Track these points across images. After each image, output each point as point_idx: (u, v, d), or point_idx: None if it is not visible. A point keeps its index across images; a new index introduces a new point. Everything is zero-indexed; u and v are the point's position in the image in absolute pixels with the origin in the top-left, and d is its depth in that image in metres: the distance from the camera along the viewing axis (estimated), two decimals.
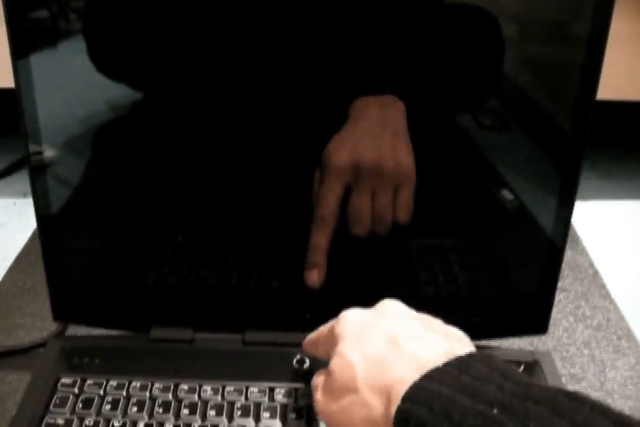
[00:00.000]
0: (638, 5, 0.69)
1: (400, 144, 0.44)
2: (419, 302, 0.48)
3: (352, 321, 0.37)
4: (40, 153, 0.44)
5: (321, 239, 0.45)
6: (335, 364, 0.35)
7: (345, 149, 0.43)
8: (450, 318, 0.47)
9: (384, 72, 0.44)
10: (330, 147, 0.44)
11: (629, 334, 0.54)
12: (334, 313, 0.39)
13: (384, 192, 0.44)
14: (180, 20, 0.43)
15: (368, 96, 0.43)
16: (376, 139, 0.43)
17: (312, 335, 0.41)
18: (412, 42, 0.44)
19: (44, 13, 0.42)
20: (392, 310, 0.38)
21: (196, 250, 0.49)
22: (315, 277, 0.46)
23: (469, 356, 0.32)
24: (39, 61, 0.42)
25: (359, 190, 0.44)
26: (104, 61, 0.44)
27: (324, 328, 0.40)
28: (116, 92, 0.45)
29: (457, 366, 0.31)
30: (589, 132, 0.42)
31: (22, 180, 0.80)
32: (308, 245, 0.46)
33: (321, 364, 0.43)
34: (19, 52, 0.41)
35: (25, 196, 0.77)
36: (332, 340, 0.37)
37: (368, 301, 0.41)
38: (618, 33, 0.70)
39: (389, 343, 0.34)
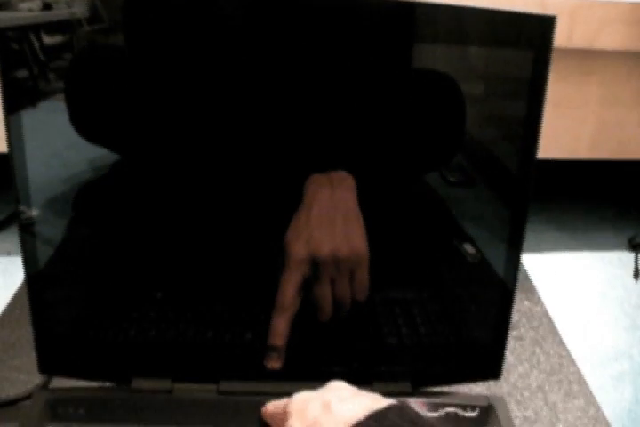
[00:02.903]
0: (581, 70, 0.76)
1: (352, 228, 0.47)
2: (381, 352, 0.52)
3: (299, 399, 0.41)
4: (23, 212, 0.46)
5: (280, 325, 0.48)
6: None
7: (301, 242, 0.46)
8: (410, 366, 0.51)
9: (344, 141, 0.48)
10: (287, 237, 0.47)
11: (580, 378, 0.58)
12: (302, 364, 0.42)
13: (341, 277, 0.48)
14: (157, 92, 0.46)
15: (320, 173, 0.47)
16: (329, 226, 0.46)
17: (269, 408, 0.44)
18: (375, 113, 0.48)
19: (23, 73, 0.44)
20: (334, 386, 0.43)
21: (174, 306, 0.51)
22: (274, 359, 0.49)
23: (386, 409, 0.38)
24: (19, 122, 0.44)
25: (318, 279, 0.48)
26: (86, 127, 0.46)
27: (279, 404, 0.43)
28: (96, 153, 0.47)
29: (376, 418, 0.37)
30: (534, 182, 0.46)
31: (6, 239, 0.83)
32: (269, 330, 0.48)
33: None
34: (10, 112, 0.43)
35: (9, 254, 0.79)
36: (285, 416, 0.41)
37: (334, 351, 0.44)
38: (566, 97, 0.77)
39: (323, 408, 0.39)
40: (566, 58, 0.74)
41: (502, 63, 0.48)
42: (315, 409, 0.39)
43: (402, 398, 0.48)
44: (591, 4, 0.70)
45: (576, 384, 0.57)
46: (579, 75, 0.77)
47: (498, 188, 0.51)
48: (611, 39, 0.72)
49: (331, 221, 0.47)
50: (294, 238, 0.47)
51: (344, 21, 0.44)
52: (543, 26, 0.44)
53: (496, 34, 0.47)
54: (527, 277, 0.74)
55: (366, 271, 0.48)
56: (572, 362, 0.60)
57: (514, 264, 0.49)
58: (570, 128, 0.79)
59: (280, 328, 0.48)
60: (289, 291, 0.47)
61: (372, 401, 0.40)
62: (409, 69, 0.47)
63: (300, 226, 0.47)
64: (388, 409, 0.38)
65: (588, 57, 0.75)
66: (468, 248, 0.53)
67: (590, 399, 0.55)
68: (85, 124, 0.46)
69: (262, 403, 0.45)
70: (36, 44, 0.45)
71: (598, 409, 0.54)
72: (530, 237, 0.48)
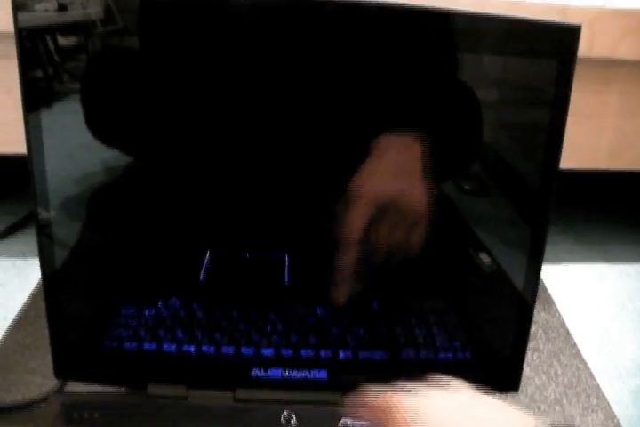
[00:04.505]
0: (601, 80, 0.76)
1: (416, 185, 0.48)
2: (397, 362, 0.51)
3: (424, 405, 0.36)
4: (40, 214, 0.47)
5: (347, 261, 0.49)
6: None
7: (370, 186, 0.48)
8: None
9: (361, 151, 0.48)
10: (357, 181, 0.48)
11: (599, 392, 0.57)
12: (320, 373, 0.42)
13: (399, 228, 0.49)
14: (175, 94, 0.46)
15: (392, 134, 0.47)
16: (400, 177, 0.48)
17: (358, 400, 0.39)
18: (393, 120, 0.48)
19: (40, 74, 0.45)
20: (460, 389, 0.38)
21: (190, 313, 0.51)
22: (340, 294, 0.50)
23: None
24: (38, 124, 0.44)
25: (382, 222, 0.49)
26: (101, 130, 0.47)
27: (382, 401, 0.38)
28: (112, 155, 0.48)
29: None
30: (555, 194, 0.46)
31: (22, 241, 0.83)
32: (335, 268, 0.49)
33: (307, 421, 0.46)
34: (29, 112, 0.44)
35: (24, 256, 0.80)
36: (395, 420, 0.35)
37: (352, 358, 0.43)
38: (586, 107, 0.77)
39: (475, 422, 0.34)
40: (586, 67, 0.73)
41: (524, 72, 0.48)
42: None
43: None
44: (612, 14, 0.70)
45: (595, 398, 0.56)
46: (598, 84, 0.76)
47: (515, 198, 0.50)
48: (631, 49, 0.71)
49: (398, 173, 0.48)
50: (363, 182, 0.48)
51: (363, 29, 0.44)
52: (567, 35, 0.43)
53: (518, 43, 0.46)
54: (544, 289, 0.73)
55: (422, 230, 0.49)
56: (591, 375, 0.59)
57: (534, 276, 0.49)
58: (589, 138, 0.79)
59: (347, 265, 0.49)
60: (358, 226, 0.48)
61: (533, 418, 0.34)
62: (428, 78, 0.47)
63: (371, 172, 0.47)
64: None
65: (608, 67, 0.74)
66: (485, 258, 0.53)
67: (609, 414, 0.54)
68: (100, 126, 0.47)
69: (279, 412, 0.44)
70: (52, 46, 0.45)
71: (618, 425, 0.53)
72: (547, 247, 0.48)
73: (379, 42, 0.45)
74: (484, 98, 0.47)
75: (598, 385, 0.58)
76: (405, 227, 0.49)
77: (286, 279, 0.53)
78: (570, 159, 0.82)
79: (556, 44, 0.44)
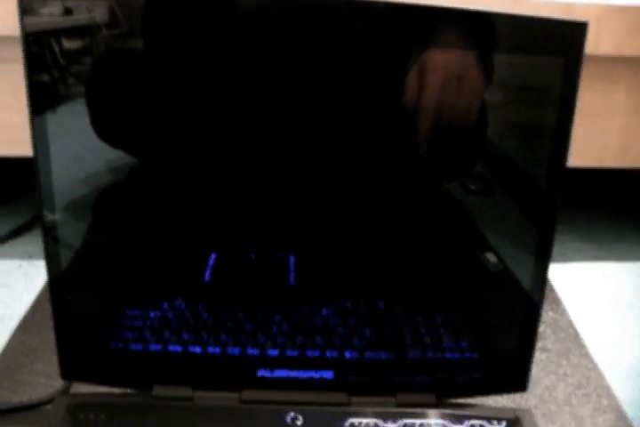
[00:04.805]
0: (608, 78, 0.75)
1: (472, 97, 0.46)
2: (404, 363, 0.51)
3: None
4: (46, 216, 0.46)
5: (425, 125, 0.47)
6: None
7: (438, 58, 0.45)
8: (435, 377, 0.50)
9: (364, 149, 0.47)
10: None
11: (609, 393, 0.57)
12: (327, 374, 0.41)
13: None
14: (180, 95, 0.46)
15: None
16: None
17: None
18: (395, 119, 0.47)
19: (46, 77, 0.44)
20: None
21: (196, 314, 0.51)
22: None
23: None
24: (44, 126, 0.44)
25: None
26: (106, 130, 0.46)
27: None
28: (117, 157, 0.47)
29: None
30: (562, 193, 0.45)
31: (28, 242, 0.84)
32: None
33: (313, 421, 0.46)
34: (35, 115, 0.43)
35: (30, 258, 0.80)
36: None
37: (357, 360, 0.43)
38: (593, 105, 0.76)
39: None
40: (593, 65, 0.73)
41: (530, 70, 0.47)
42: None
43: (426, 410, 0.47)
44: (618, 11, 0.70)
45: (605, 398, 0.56)
46: (605, 82, 0.76)
47: (522, 197, 0.50)
48: (638, 46, 0.71)
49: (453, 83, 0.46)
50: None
51: (366, 27, 0.44)
52: (574, 32, 0.43)
53: (525, 40, 0.46)
54: (552, 288, 0.73)
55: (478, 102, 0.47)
56: (601, 375, 0.58)
57: (541, 275, 0.48)
58: (596, 136, 0.78)
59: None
60: (435, 89, 0.46)
61: None
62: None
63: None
64: None
65: (614, 64, 0.74)
66: (491, 258, 0.53)
67: (621, 415, 0.54)
68: (106, 127, 0.46)
69: (285, 413, 0.44)
70: (57, 49, 0.45)
71: (630, 426, 0.52)
72: (554, 246, 0.47)
73: (386, 38, 0.45)
74: (489, 96, 0.46)
75: (609, 385, 0.57)
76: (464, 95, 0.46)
77: (291, 280, 0.53)
78: (577, 157, 0.82)
79: (562, 41, 0.44)
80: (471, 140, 0.49)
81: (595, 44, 0.69)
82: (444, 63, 0.46)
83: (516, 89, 0.48)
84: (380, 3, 0.43)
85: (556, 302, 0.70)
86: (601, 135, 0.79)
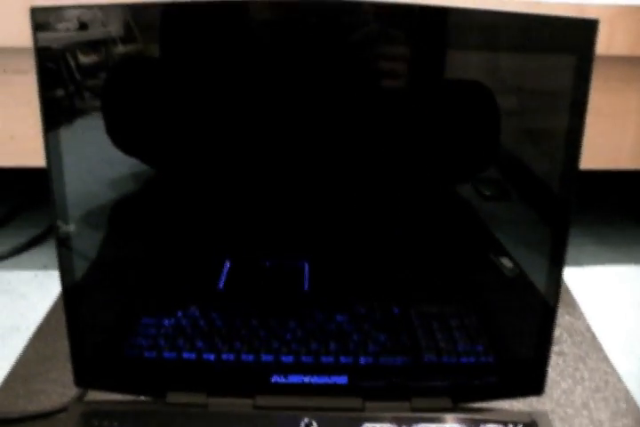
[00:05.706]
0: (621, 79, 0.75)
1: None
2: (420, 367, 0.50)
3: None
4: (60, 227, 0.47)
5: None
6: None
7: None
8: (450, 382, 0.50)
9: (376, 152, 0.47)
10: None
11: (627, 396, 0.56)
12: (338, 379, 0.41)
13: None
14: (196, 104, 0.46)
15: None
16: None
17: None
18: (408, 122, 0.47)
19: (60, 92, 0.45)
20: None
21: (210, 321, 0.51)
22: None
23: None
24: (57, 139, 0.44)
25: None
26: (121, 138, 0.46)
27: None
28: (131, 168, 0.48)
29: None
30: (575, 196, 0.45)
31: (44, 252, 0.84)
32: None
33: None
34: (48, 130, 0.44)
35: (45, 268, 0.80)
36: None
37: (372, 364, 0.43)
38: (606, 106, 0.76)
39: None
40: (606, 66, 0.72)
41: (541, 70, 0.47)
42: None
43: (442, 415, 0.47)
44: (630, 11, 0.69)
45: (623, 402, 0.55)
46: (619, 83, 0.75)
47: (535, 201, 0.50)
48: None
49: None
50: None
51: (375, 29, 0.44)
52: (585, 30, 0.43)
53: (534, 40, 0.46)
54: (568, 292, 0.72)
55: None
56: (619, 379, 0.58)
57: (556, 278, 0.48)
58: (610, 138, 0.78)
59: None
60: None
61: None
62: (443, 78, 0.47)
63: None
64: None
65: (628, 64, 0.73)
66: (506, 262, 0.52)
67: None
68: (121, 135, 0.47)
69: (299, 419, 0.44)
70: (72, 63, 0.46)
71: None
72: (569, 250, 0.47)
73: (397, 41, 0.45)
74: (499, 97, 0.46)
75: (627, 389, 0.56)
76: None
77: (306, 286, 0.53)
78: (591, 159, 0.81)
79: (573, 40, 0.44)
80: (483, 143, 0.48)
81: (608, 45, 0.69)
82: (455, 64, 0.46)
83: (528, 90, 0.48)
84: (392, 5, 0.43)
85: (573, 305, 0.70)
86: (615, 136, 0.78)
